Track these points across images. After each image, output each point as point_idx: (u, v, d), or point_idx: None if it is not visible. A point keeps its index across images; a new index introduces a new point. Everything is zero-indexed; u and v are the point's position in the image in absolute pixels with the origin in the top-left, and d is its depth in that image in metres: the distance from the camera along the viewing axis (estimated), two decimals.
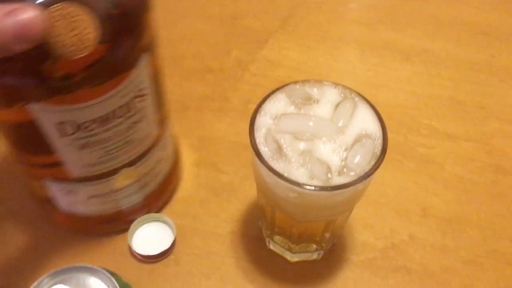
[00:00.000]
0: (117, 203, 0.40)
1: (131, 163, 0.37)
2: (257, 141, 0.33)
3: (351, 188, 0.31)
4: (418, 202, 0.46)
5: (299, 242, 0.40)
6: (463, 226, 0.44)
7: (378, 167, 0.32)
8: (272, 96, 0.35)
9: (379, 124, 0.34)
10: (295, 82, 0.36)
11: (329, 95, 0.35)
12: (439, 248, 0.43)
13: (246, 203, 0.46)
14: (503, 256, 0.42)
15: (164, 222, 0.43)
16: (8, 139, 0.35)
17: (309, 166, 0.32)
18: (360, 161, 0.32)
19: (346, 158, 0.32)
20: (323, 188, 0.31)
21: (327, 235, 0.39)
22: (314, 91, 0.36)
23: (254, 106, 0.35)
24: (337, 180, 0.32)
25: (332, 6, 0.64)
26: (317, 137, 0.33)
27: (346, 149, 0.33)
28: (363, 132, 0.33)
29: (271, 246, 0.43)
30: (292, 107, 0.35)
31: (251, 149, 0.34)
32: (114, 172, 0.37)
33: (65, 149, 0.33)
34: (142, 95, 0.33)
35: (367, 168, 0.32)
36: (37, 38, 0.25)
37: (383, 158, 0.32)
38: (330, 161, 0.32)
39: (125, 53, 0.30)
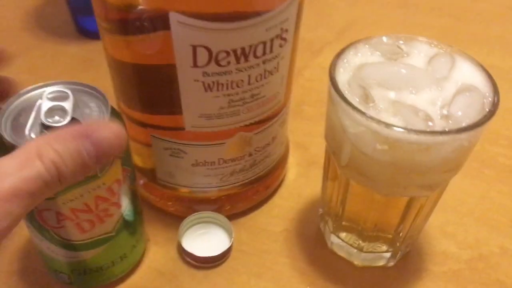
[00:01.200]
0: (220, 179, 0.35)
1: (249, 128, 0.33)
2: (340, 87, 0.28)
3: (457, 140, 0.25)
4: (505, 212, 0.39)
5: (370, 238, 0.33)
6: None
7: (491, 118, 0.26)
8: (352, 46, 0.30)
9: (487, 78, 0.28)
10: (381, 36, 0.31)
11: (421, 48, 0.30)
12: None
13: (300, 201, 0.40)
14: None
15: (221, 224, 0.37)
16: (127, 84, 0.31)
17: (403, 114, 0.26)
18: (467, 111, 0.26)
19: (449, 108, 0.27)
20: (425, 133, 0.25)
21: (402, 231, 0.33)
22: (403, 45, 0.31)
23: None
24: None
25: (390, 23, 0.61)
26: (410, 87, 0.28)
27: (447, 102, 0.27)
28: (467, 84, 0.28)
29: (334, 247, 0.36)
30: (378, 56, 0.30)
31: (331, 95, 0.28)
32: (229, 134, 0.32)
33: (189, 87, 0.29)
34: (283, 38, 0.30)
35: (475, 120, 0.26)
36: (121, 152, 0.23)
37: (495, 110, 0.26)
38: (429, 110, 0.27)
39: None
